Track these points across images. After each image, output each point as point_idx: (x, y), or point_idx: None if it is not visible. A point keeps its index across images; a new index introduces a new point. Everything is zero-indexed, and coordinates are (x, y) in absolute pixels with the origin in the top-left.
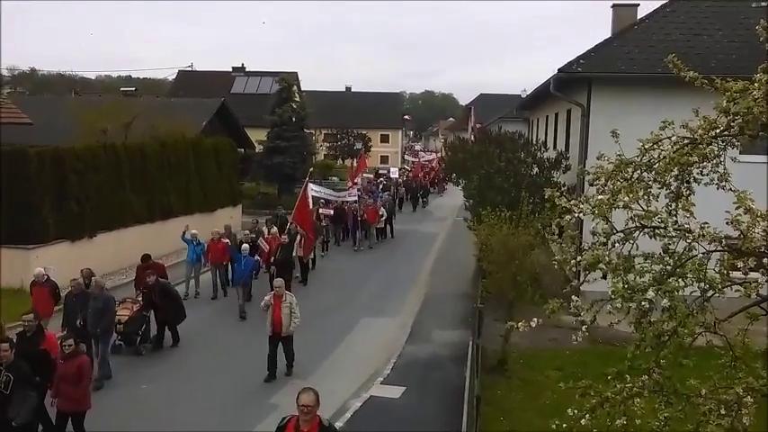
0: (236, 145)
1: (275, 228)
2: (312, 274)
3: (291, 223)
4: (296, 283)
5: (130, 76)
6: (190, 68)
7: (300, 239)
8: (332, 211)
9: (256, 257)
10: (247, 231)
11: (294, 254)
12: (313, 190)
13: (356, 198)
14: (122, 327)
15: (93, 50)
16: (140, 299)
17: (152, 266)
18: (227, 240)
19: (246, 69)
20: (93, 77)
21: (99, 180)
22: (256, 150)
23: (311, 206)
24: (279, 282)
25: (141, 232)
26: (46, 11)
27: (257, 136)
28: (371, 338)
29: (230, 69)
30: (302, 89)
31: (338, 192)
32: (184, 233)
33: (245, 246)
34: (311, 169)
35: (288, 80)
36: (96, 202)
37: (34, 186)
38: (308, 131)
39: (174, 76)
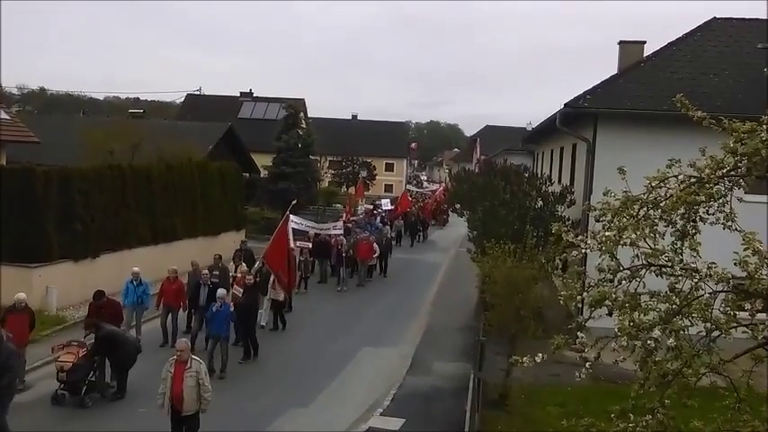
0: (242, 169)
1: (244, 265)
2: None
3: (262, 261)
4: (266, 331)
5: (138, 98)
6: (198, 92)
7: (274, 281)
8: (310, 244)
9: (230, 304)
10: (205, 271)
11: (267, 297)
12: (293, 222)
13: (341, 231)
14: (65, 375)
15: (102, 72)
16: (89, 341)
17: (105, 305)
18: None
19: (254, 95)
20: (101, 98)
21: (104, 201)
22: (261, 175)
23: (291, 242)
24: (182, 343)
25: (145, 254)
26: (56, 31)
27: (263, 161)
28: (372, 369)
29: (238, 94)
30: (309, 116)
31: (322, 224)
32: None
33: (222, 291)
34: (294, 201)
35: (295, 106)
36: (101, 223)
37: (40, 205)
38: (313, 158)
39: (182, 100)
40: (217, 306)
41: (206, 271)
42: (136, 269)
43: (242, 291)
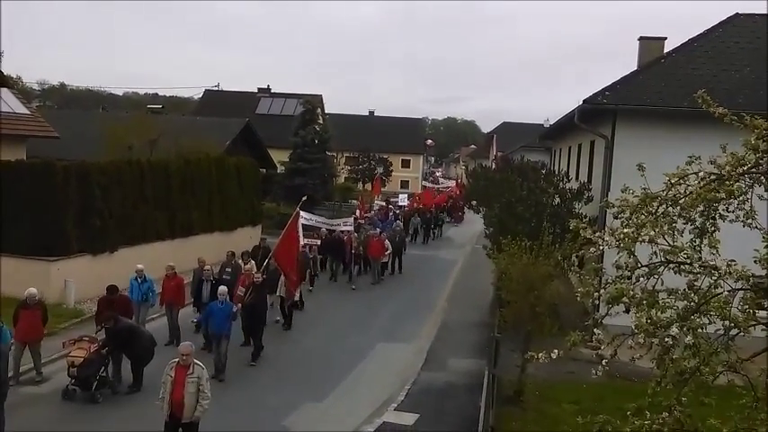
0: (259, 165)
1: (253, 262)
2: (296, 315)
3: (271, 258)
4: (277, 328)
5: (157, 93)
6: (216, 88)
7: (283, 278)
8: (319, 241)
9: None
10: (208, 267)
11: (278, 293)
12: (303, 218)
13: (352, 227)
14: (76, 369)
15: (121, 67)
16: (100, 336)
17: (116, 301)
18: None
19: (272, 90)
20: (120, 94)
21: (122, 195)
22: (278, 171)
23: (302, 240)
24: (185, 347)
25: (162, 248)
26: (76, 27)
27: (280, 157)
28: (386, 365)
29: (256, 90)
30: (326, 112)
31: (333, 219)
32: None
33: (223, 288)
34: (305, 197)
35: (312, 102)
36: (119, 217)
37: (59, 199)
38: (329, 154)
39: (201, 96)
40: (218, 303)
41: (208, 267)
42: (140, 266)
43: (246, 290)
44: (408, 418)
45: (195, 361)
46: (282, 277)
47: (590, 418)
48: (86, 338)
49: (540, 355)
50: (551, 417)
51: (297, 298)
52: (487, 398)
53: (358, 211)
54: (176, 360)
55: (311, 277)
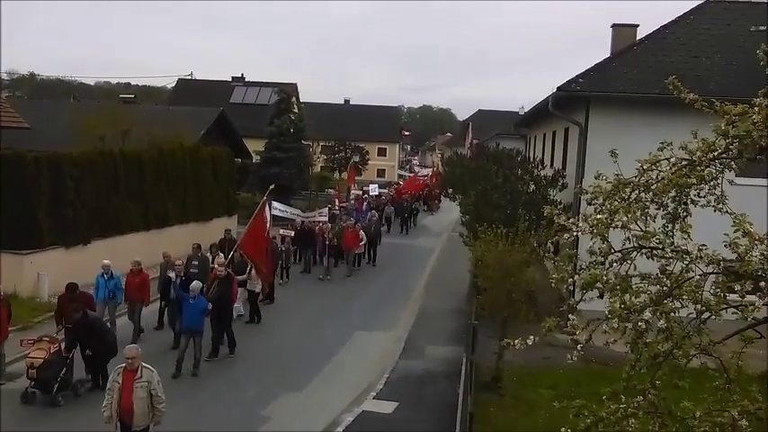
0: (234, 155)
1: (221, 255)
2: (265, 309)
3: (236, 250)
4: (242, 324)
5: (129, 83)
6: (189, 77)
7: (250, 270)
8: (293, 233)
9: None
10: (179, 262)
11: (247, 287)
12: (277, 209)
13: (326, 217)
14: (36, 372)
15: (92, 56)
16: (60, 336)
17: (78, 298)
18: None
19: (246, 79)
20: (92, 83)
21: (95, 186)
22: (253, 161)
23: (269, 228)
24: (131, 350)
25: (136, 240)
26: (45, 15)
27: (255, 146)
28: (364, 354)
29: (230, 78)
30: (301, 101)
31: (308, 212)
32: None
33: (197, 284)
34: (272, 186)
35: (287, 91)
36: (92, 209)
37: (30, 191)
38: (305, 143)
39: (174, 84)
40: (190, 298)
41: (179, 262)
42: (106, 262)
43: (210, 284)
44: (387, 407)
45: (143, 364)
46: (254, 271)
47: (566, 402)
48: (46, 338)
49: (517, 341)
50: (529, 402)
51: (266, 291)
52: (465, 384)
53: (336, 201)
54: (123, 365)
55: (283, 269)
